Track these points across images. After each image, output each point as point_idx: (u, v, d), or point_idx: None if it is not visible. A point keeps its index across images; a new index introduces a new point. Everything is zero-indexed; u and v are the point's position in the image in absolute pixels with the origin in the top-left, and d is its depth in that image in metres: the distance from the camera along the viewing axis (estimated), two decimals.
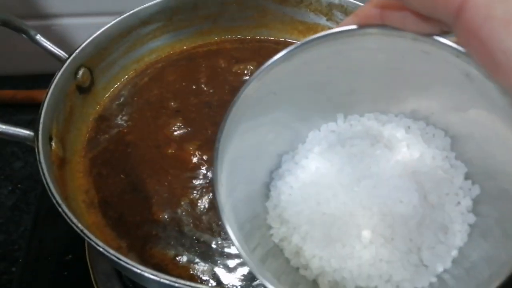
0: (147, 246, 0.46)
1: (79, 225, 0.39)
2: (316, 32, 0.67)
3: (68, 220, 0.39)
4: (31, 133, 0.46)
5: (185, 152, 0.53)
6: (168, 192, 0.49)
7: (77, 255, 0.60)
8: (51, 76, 0.51)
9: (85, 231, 0.38)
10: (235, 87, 0.61)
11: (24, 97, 0.80)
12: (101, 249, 0.38)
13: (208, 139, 0.54)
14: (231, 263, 0.45)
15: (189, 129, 0.55)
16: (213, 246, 0.46)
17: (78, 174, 0.51)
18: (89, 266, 0.57)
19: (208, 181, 0.50)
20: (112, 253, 0.37)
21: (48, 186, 0.41)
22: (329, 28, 0.65)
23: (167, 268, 0.45)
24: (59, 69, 0.52)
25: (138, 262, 0.44)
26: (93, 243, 0.38)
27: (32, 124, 0.47)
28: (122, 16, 0.58)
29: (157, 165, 0.52)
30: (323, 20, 0.66)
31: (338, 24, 0.64)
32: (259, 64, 0.54)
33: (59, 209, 0.40)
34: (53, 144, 0.48)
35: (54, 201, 0.41)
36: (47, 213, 0.65)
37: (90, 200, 0.49)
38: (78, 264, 0.58)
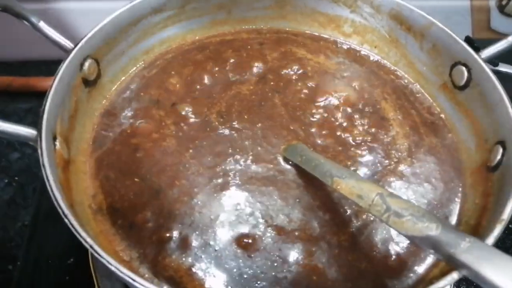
0: (160, 255, 0.43)
1: (89, 239, 0.35)
2: (338, 25, 0.62)
3: (76, 234, 0.35)
4: (34, 132, 0.42)
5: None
6: (186, 195, 0.46)
7: (79, 259, 0.57)
8: (49, 63, 0.47)
9: (95, 247, 0.35)
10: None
11: (20, 84, 0.76)
12: (113, 268, 0.34)
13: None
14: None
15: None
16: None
17: (83, 176, 0.47)
18: (93, 271, 0.54)
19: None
20: (125, 273, 0.34)
21: (53, 194, 0.37)
22: (352, 22, 0.61)
23: (182, 281, 0.42)
24: (64, 61, 0.47)
25: (151, 275, 0.42)
26: (104, 261, 0.34)
27: (29, 115, 0.42)
28: (133, 3, 0.54)
29: (173, 166, 0.48)
30: (346, 12, 0.61)
31: (362, 16, 0.61)
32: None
33: (65, 220, 0.36)
34: (57, 144, 0.44)
35: (60, 211, 0.37)
36: (48, 212, 0.61)
37: (97, 205, 0.45)
38: (80, 269, 0.55)
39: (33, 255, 0.58)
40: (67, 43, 0.49)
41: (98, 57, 0.52)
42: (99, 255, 0.34)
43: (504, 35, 0.54)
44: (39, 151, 0.40)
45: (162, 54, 0.59)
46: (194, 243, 0.44)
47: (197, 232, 0.44)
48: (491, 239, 0.37)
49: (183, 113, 0.53)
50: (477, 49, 0.52)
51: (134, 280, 0.33)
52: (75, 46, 0.49)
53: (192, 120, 0.52)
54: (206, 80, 0.57)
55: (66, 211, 0.37)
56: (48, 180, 0.38)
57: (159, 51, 0.59)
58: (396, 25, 0.58)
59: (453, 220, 0.47)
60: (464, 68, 0.52)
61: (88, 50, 0.50)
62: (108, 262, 0.34)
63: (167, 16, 0.58)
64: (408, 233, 0.36)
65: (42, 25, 0.49)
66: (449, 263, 0.34)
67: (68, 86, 0.47)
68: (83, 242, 0.35)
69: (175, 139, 0.51)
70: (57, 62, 0.47)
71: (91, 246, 0.35)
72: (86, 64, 0.50)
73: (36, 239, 0.60)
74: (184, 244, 0.43)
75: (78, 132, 0.49)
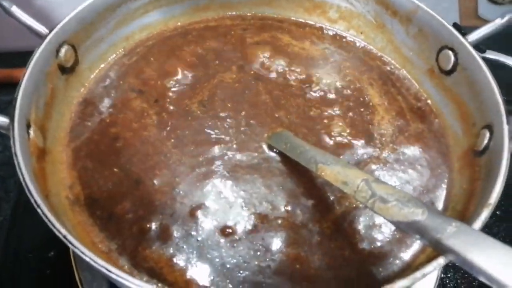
0: (140, 246, 0.42)
1: (62, 230, 0.34)
2: (323, 10, 0.61)
3: (50, 224, 0.34)
4: (6, 120, 0.40)
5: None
6: (168, 185, 0.45)
7: (60, 251, 0.56)
8: (31, 54, 0.45)
9: (69, 236, 0.33)
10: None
11: (3, 76, 0.74)
12: (87, 259, 0.33)
13: None
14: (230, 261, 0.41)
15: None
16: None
17: (60, 166, 0.46)
18: (74, 264, 0.52)
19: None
20: (100, 263, 0.32)
21: (26, 183, 0.36)
22: (338, 7, 0.60)
23: (162, 272, 0.41)
24: (38, 47, 0.46)
25: (130, 266, 0.40)
26: (78, 251, 0.33)
27: (8, 109, 0.41)
28: None
29: (154, 156, 0.47)
30: None
31: (348, 1, 0.60)
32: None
33: (38, 210, 0.35)
34: (32, 132, 0.42)
35: (32, 201, 0.35)
36: (27, 205, 0.59)
37: (74, 196, 0.44)
38: (61, 261, 0.54)
39: (12, 248, 0.57)
40: (42, 29, 0.48)
41: (75, 43, 0.50)
42: (73, 245, 0.33)
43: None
44: (11, 139, 0.39)
45: (142, 41, 0.58)
46: (176, 233, 0.42)
47: (178, 223, 0.43)
48: (478, 224, 0.36)
49: (164, 102, 0.52)
50: (464, 35, 0.51)
51: (109, 271, 0.32)
52: (50, 31, 0.47)
53: (173, 109, 0.51)
54: (187, 67, 0.55)
55: (39, 201, 0.35)
56: (20, 169, 0.37)
57: (139, 38, 0.57)
58: (382, 10, 0.57)
59: (440, 205, 0.46)
60: (450, 52, 0.51)
61: (65, 36, 0.48)
62: (82, 252, 0.33)
63: (147, 1, 0.56)
64: (393, 219, 0.35)
65: (15, 9, 0.47)
66: (435, 248, 0.34)
67: (43, 73, 0.46)
68: (56, 232, 0.34)
69: (156, 129, 0.49)
70: None
71: (64, 236, 0.33)
72: (63, 50, 0.48)
73: (16, 232, 0.58)
74: (165, 234, 0.42)
75: (55, 121, 0.48)
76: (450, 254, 0.32)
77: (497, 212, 0.63)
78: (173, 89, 0.53)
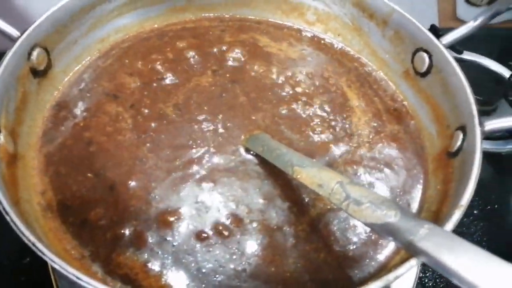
0: (114, 253, 0.41)
1: (31, 237, 0.33)
2: (301, 12, 0.61)
3: (18, 231, 0.33)
4: None
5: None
6: (143, 190, 0.44)
7: (36, 258, 0.54)
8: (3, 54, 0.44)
9: (38, 244, 0.33)
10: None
11: None
12: (57, 266, 0.32)
13: None
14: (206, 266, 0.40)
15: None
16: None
17: (32, 172, 0.45)
18: (51, 271, 0.51)
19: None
20: (69, 270, 0.32)
21: None
22: (315, 9, 0.60)
23: (137, 278, 0.40)
24: (9, 50, 0.45)
25: (104, 273, 0.40)
26: (47, 259, 0.32)
27: None
28: None
29: (129, 160, 0.46)
30: (309, 0, 0.60)
31: (325, 3, 0.60)
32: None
33: (7, 217, 0.34)
34: (1, 137, 0.41)
35: (1, 208, 0.34)
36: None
37: (46, 202, 0.43)
38: (37, 268, 0.53)
39: None
40: (13, 32, 0.47)
41: (48, 45, 0.49)
42: (42, 253, 0.32)
43: None
44: None
45: (118, 43, 0.57)
46: (150, 239, 0.42)
47: (153, 228, 0.42)
48: (450, 225, 0.37)
49: (139, 106, 0.51)
50: (440, 36, 0.52)
51: (79, 278, 0.31)
52: (22, 34, 0.46)
53: (148, 112, 0.50)
54: (163, 69, 0.55)
55: (8, 208, 0.34)
56: None
57: (114, 40, 0.57)
58: (358, 12, 0.58)
59: (415, 206, 0.47)
60: (425, 55, 0.51)
61: (37, 38, 0.48)
62: (51, 259, 0.32)
63: (122, 3, 0.56)
64: (367, 221, 0.35)
65: None
66: (408, 250, 0.34)
67: (14, 77, 0.45)
68: (25, 240, 0.33)
69: (131, 133, 0.49)
70: None
71: (33, 244, 0.33)
72: (34, 53, 0.47)
73: None
74: (139, 240, 0.42)
75: (27, 126, 0.47)
76: (422, 256, 0.32)
77: (475, 211, 0.64)
78: (147, 92, 0.52)
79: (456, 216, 0.37)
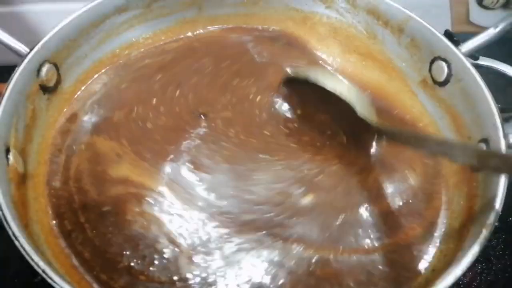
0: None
1: (41, 263, 0.32)
2: (313, 21, 0.60)
3: (28, 257, 0.32)
4: None
5: None
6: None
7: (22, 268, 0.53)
8: (11, 69, 0.43)
9: (48, 271, 0.32)
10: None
11: None
12: None
13: None
14: None
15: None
16: None
17: (42, 191, 0.44)
18: None
19: None
20: None
21: (3, 214, 0.34)
22: (327, 17, 0.59)
23: None
24: (18, 66, 0.44)
25: None
26: (56, 286, 0.31)
27: None
28: (94, 3, 0.50)
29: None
30: (321, 8, 0.59)
31: (338, 12, 0.59)
32: None
33: (16, 242, 0.33)
34: (11, 157, 0.40)
35: (10, 233, 0.33)
36: None
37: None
38: (49, 286, 0.51)
39: None
40: (22, 48, 0.46)
41: (57, 61, 0.49)
42: (52, 280, 0.31)
43: (483, 28, 0.53)
44: None
45: (129, 56, 0.56)
46: None
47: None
48: (476, 247, 0.35)
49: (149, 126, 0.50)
50: (457, 43, 0.50)
51: None
52: (31, 50, 0.45)
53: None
54: (178, 84, 0.53)
55: (17, 233, 0.33)
56: None
57: (125, 53, 0.56)
58: (373, 20, 0.56)
59: (437, 221, 0.45)
60: (444, 63, 0.50)
61: (46, 54, 0.47)
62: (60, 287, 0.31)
63: (132, 16, 0.55)
64: None
65: None
66: None
67: (23, 95, 0.44)
68: (35, 266, 0.32)
69: None
70: None
71: (43, 271, 0.32)
72: (44, 69, 0.47)
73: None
74: None
75: (36, 143, 0.46)
76: None
77: (496, 224, 0.62)
78: (164, 106, 0.51)
79: (484, 234, 0.35)
